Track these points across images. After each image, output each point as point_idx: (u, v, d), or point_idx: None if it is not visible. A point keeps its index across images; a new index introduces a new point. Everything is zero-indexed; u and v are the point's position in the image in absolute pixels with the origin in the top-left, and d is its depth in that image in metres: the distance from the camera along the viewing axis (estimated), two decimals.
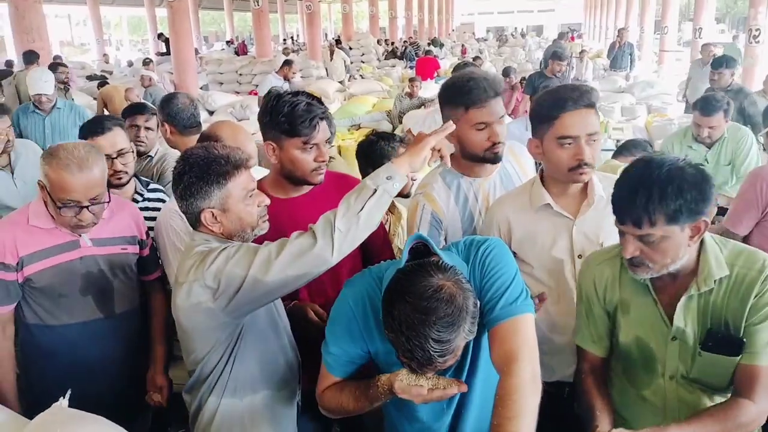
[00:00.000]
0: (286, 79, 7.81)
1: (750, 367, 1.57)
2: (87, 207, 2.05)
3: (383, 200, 1.62)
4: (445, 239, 2.22)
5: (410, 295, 1.34)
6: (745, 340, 1.57)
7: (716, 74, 5.63)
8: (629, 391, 1.80)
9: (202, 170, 1.68)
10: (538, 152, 2.00)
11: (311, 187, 2.12)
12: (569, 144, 1.88)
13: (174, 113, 3.16)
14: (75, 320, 2.18)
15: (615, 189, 1.55)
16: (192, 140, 3.03)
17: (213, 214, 1.71)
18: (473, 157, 2.14)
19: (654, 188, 1.45)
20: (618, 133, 7.03)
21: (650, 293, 1.67)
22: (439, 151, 1.71)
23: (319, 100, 2.02)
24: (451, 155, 2.20)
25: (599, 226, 1.96)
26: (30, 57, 7.84)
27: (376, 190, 1.60)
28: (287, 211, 2.07)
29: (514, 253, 1.88)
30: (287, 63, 7.89)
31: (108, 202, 2.14)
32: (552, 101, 1.91)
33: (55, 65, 8.18)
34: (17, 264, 2.08)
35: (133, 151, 2.70)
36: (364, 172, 2.75)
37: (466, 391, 1.52)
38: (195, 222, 1.75)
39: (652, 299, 1.67)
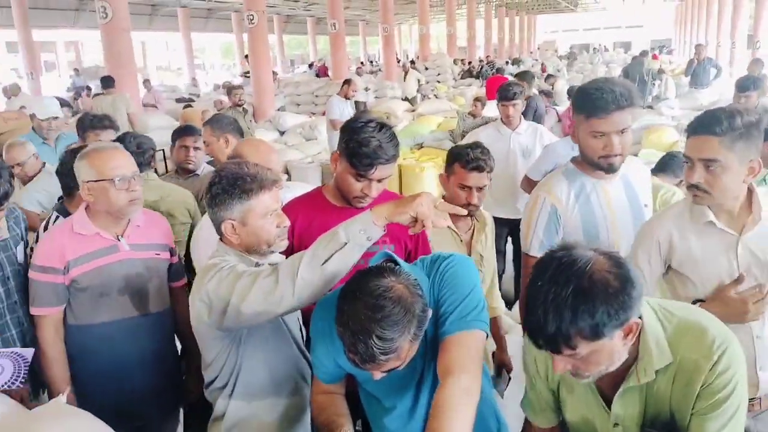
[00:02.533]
0: (347, 97, 8.02)
1: None
2: (133, 178, 2.29)
3: (353, 252, 1.58)
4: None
5: (361, 293, 1.41)
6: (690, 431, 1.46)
7: (743, 97, 5.25)
8: None
9: (230, 184, 1.80)
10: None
11: None
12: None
13: (228, 124, 3.53)
14: (114, 318, 2.36)
15: (527, 303, 1.36)
16: None
17: (233, 226, 1.83)
18: (589, 162, 2.24)
19: (564, 310, 1.27)
20: None
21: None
22: (422, 222, 1.58)
23: (396, 143, 2.04)
24: (578, 157, 2.35)
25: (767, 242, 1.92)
26: (107, 82, 8.36)
27: (347, 243, 1.57)
28: (340, 219, 2.15)
29: (674, 270, 1.99)
30: (347, 82, 8.12)
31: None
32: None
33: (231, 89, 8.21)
34: (64, 268, 2.29)
35: None
36: None
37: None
38: (218, 231, 1.88)
39: (589, 386, 1.56)
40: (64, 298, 2.34)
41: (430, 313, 1.50)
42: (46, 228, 2.67)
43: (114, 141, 3.20)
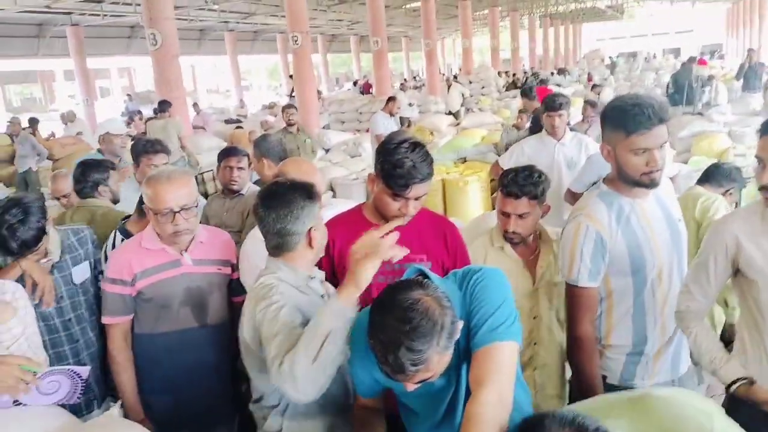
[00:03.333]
0: (391, 114, 8.12)
1: None
2: (179, 213, 2.34)
3: (338, 335, 1.64)
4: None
5: (390, 305, 1.45)
6: None
7: None
8: None
9: (308, 192, 1.94)
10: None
11: None
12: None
13: (268, 149, 3.63)
14: (174, 328, 2.49)
15: None
16: None
17: (311, 233, 1.94)
18: (630, 180, 2.15)
19: None
20: (741, 160, 6.53)
21: None
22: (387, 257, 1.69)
23: (430, 162, 2.07)
24: (609, 176, 2.27)
25: None
26: (163, 106, 8.69)
27: (330, 332, 1.62)
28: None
29: (742, 273, 1.96)
30: (391, 99, 8.27)
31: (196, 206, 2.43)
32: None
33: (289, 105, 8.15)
34: (132, 280, 2.43)
35: None
36: None
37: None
38: (294, 244, 1.94)
39: None
40: (131, 309, 2.47)
41: (460, 325, 1.52)
42: (111, 247, 2.82)
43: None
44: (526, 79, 20.87)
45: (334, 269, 2.26)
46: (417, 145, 2.05)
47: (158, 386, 2.50)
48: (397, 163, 2.00)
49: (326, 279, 2.26)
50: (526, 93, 7.62)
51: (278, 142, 3.71)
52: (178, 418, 2.49)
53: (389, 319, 1.43)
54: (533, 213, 2.46)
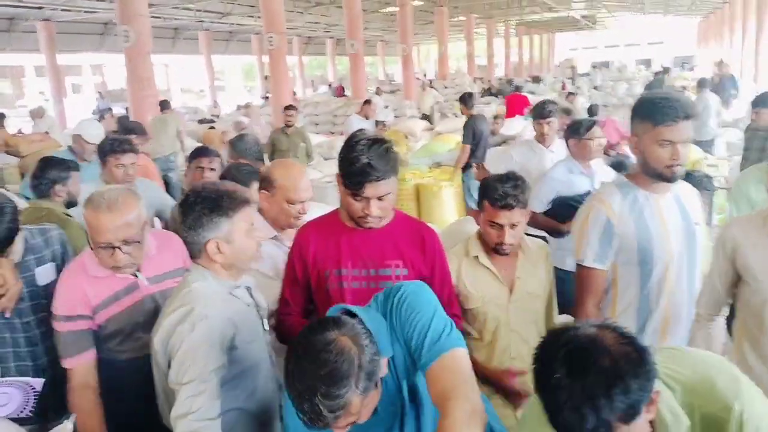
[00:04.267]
0: (367, 117, 8.09)
1: None
2: (119, 248, 2.10)
3: None
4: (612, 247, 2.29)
5: (303, 349, 1.36)
6: None
7: (753, 113, 5.38)
8: None
9: (214, 202, 1.83)
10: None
11: None
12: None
13: (245, 149, 3.56)
14: (137, 354, 2.28)
15: (547, 403, 1.22)
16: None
17: (218, 245, 1.85)
18: (652, 172, 2.21)
19: (597, 398, 1.13)
20: (713, 170, 6.60)
21: None
22: None
23: (389, 159, 1.96)
24: (631, 171, 2.36)
25: None
26: (164, 104, 8.89)
27: None
28: (352, 240, 2.13)
29: (740, 277, 2.01)
30: (367, 102, 8.28)
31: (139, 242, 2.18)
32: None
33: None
34: (92, 313, 2.20)
35: None
36: None
37: None
38: (196, 252, 1.89)
39: None
40: (92, 343, 2.25)
41: (384, 361, 1.45)
42: None
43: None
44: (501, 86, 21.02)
45: (308, 273, 2.17)
46: (377, 142, 1.94)
47: (122, 412, 2.27)
48: (353, 160, 1.91)
49: (299, 284, 2.19)
50: (464, 99, 7.38)
51: (255, 143, 3.63)
52: None
53: (303, 363, 1.34)
54: (523, 219, 2.43)
